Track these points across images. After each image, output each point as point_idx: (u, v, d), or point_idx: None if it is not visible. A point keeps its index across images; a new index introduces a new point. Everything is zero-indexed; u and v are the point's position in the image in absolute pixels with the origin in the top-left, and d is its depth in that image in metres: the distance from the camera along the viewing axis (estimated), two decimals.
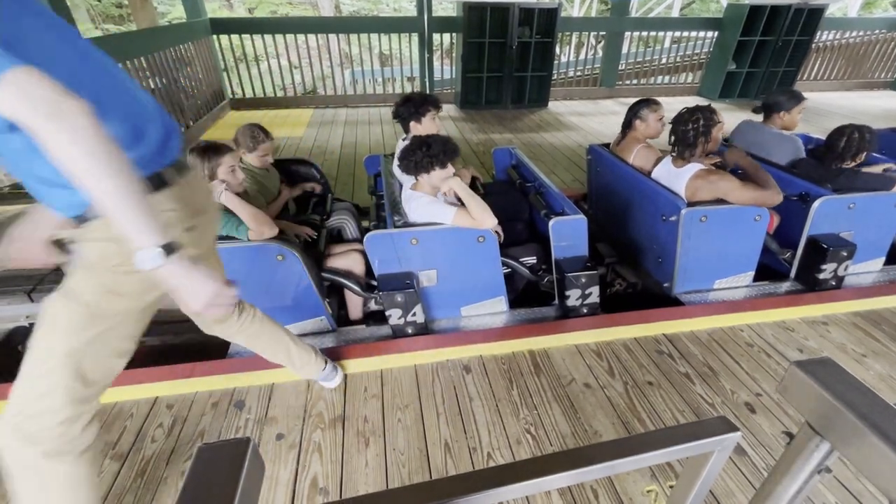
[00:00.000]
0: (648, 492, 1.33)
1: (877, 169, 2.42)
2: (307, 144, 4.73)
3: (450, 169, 1.88)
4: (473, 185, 2.54)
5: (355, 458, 1.45)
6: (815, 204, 2.14)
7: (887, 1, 13.25)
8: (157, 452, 1.47)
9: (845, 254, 2.17)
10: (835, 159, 2.27)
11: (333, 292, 2.23)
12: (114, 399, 1.66)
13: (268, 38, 5.90)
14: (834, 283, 2.26)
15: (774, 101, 2.55)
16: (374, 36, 6.33)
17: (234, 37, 5.73)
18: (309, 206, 2.47)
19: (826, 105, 6.49)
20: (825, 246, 2.16)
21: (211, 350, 2.13)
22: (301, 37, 5.99)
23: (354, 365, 1.80)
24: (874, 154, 2.66)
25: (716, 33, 6.67)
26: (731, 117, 2.92)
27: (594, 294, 2.03)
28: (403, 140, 2.42)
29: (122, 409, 1.63)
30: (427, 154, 1.83)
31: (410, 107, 2.27)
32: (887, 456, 0.42)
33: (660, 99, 2.57)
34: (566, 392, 1.69)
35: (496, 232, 2.01)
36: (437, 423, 1.56)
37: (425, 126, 2.29)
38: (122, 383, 1.69)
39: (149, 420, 1.59)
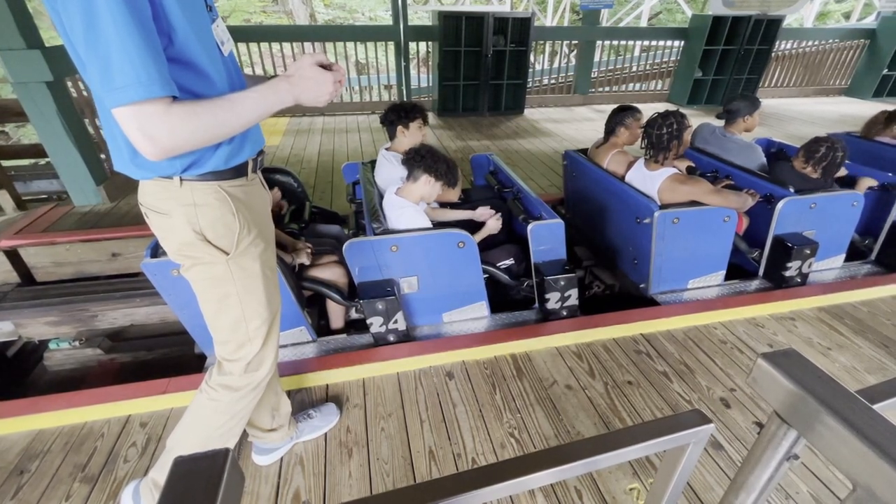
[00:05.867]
0: (631, 490, 1.35)
1: (862, 185, 2.53)
2: (284, 153, 4.68)
3: (437, 189, 1.96)
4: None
5: (338, 470, 1.42)
6: (780, 204, 2.24)
7: (839, 12, 14.03)
8: (131, 473, 1.41)
9: (809, 252, 2.27)
10: (812, 168, 2.36)
11: (314, 302, 2.20)
12: (83, 419, 1.59)
13: (241, 46, 5.83)
14: (799, 280, 2.36)
15: (736, 108, 2.67)
16: (350, 44, 6.32)
17: None
18: (287, 215, 2.44)
19: (786, 110, 6.80)
20: (790, 245, 2.26)
21: (186, 365, 2.07)
22: (276, 45, 5.94)
23: (336, 375, 1.77)
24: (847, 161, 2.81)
25: (682, 42, 6.93)
26: (699, 123, 3.03)
27: (573, 296, 2.07)
28: (386, 149, 2.43)
29: (91, 428, 1.56)
30: (433, 162, 1.91)
31: (401, 111, 2.33)
32: (848, 440, 0.44)
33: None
34: (548, 394, 1.70)
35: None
36: (421, 431, 1.56)
37: (411, 133, 2.34)
38: (92, 402, 1.62)
39: (121, 439, 1.52)
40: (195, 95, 0.85)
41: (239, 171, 1.00)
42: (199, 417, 1.16)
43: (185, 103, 0.80)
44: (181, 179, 0.92)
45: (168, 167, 0.90)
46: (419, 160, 1.94)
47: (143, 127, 0.75)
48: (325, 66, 0.94)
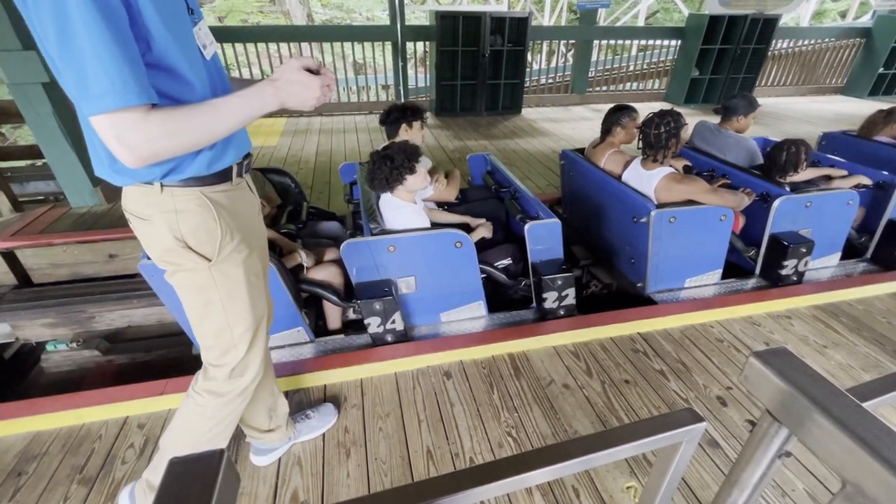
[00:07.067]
0: (628, 488, 1.36)
1: (845, 183, 2.56)
2: (281, 154, 4.68)
3: (421, 174, 1.90)
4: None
5: (336, 470, 1.43)
6: (776, 203, 2.25)
7: (835, 11, 14.07)
8: (129, 475, 1.42)
9: (804, 250, 2.28)
10: (778, 172, 2.42)
11: (311, 303, 2.20)
12: (80, 420, 1.59)
13: (238, 46, 5.82)
14: (795, 279, 2.37)
15: (734, 106, 2.68)
16: (347, 44, 6.32)
17: None
18: (283, 215, 2.44)
19: (783, 109, 6.82)
20: (786, 243, 2.27)
21: (184, 366, 2.07)
22: (273, 45, 5.94)
23: (333, 375, 1.78)
24: (834, 158, 2.83)
25: (679, 42, 6.95)
26: (696, 121, 3.04)
27: (570, 296, 2.07)
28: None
29: (89, 430, 1.56)
30: (393, 167, 1.85)
31: (405, 110, 2.36)
32: (837, 437, 0.45)
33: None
34: (546, 393, 1.71)
35: (483, 237, 2.12)
36: (419, 431, 1.56)
37: (414, 132, 2.37)
38: (90, 403, 1.62)
39: (119, 441, 1.52)
40: (176, 101, 0.84)
41: (223, 177, 0.98)
42: (186, 422, 1.16)
43: (164, 110, 0.78)
44: (162, 185, 0.91)
45: (147, 173, 0.89)
46: (384, 184, 1.89)
47: (120, 135, 0.75)
48: (314, 71, 0.91)
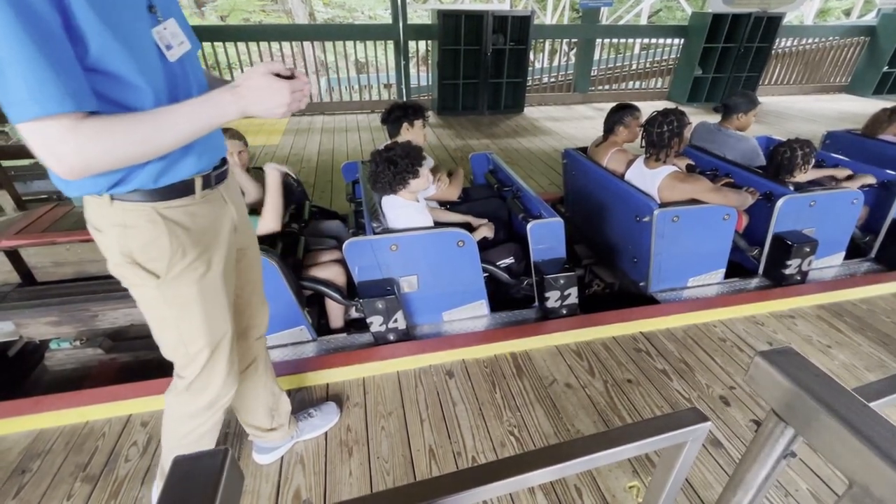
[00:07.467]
0: (630, 488, 1.36)
1: (850, 184, 2.53)
2: (284, 152, 4.68)
3: (424, 176, 1.90)
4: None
5: (339, 468, 1.43)
6: (779, 202, 2.24)
7: (839, 9, 14.00)
8: (132, 472, 1.42)
9: (808, 249, 2.27)
10: (783, 173, 2.39)
11: (314, 301, 2.20)
12: (84, 418, 1.59)
13: (241, 45, 5.83)
14: (799, 278, 2.36)
15: (734, 103, 2.67)
16: (349, 43, 6.32)
17: (206, 45, 5.65)
18: (286, 215, 2.43)
19: (786, 108, 6.79)
20: (789, 242, 2.26)
21: None
22: (275, 44, 5.95)
23: (336, 374, 1.78)
24: (838, 157, 2.81)
25: (682, 40, 6.92)
26: (698, 121, 3.03)
27: (573, 295, 2.07)
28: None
29: (92, 428, 1.57)
30: (396, 171, 1.85)
31: (407, 109, 2.36)
32: (844, 437, 0.44)
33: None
34: (548, 393, 1.71)
35: (485, 237, 2.12)
36: (421, 430, 1.56)
37: (416, 130, 2.37)
38: (93, 401, 1.63)
39: (122, 439, 1.53)
40: (124, 107, 0.77)
41: (183, 190, 0.90)
42: (167, 423, 1.16)
43: (101, 119, 0.72)
44: (112, 198, 0.85)
45: (92, 185, 0.82)
46: (387, 187, 1.89)
47: (47, 144, 0.69)
48: (286, 76, 0.84)
